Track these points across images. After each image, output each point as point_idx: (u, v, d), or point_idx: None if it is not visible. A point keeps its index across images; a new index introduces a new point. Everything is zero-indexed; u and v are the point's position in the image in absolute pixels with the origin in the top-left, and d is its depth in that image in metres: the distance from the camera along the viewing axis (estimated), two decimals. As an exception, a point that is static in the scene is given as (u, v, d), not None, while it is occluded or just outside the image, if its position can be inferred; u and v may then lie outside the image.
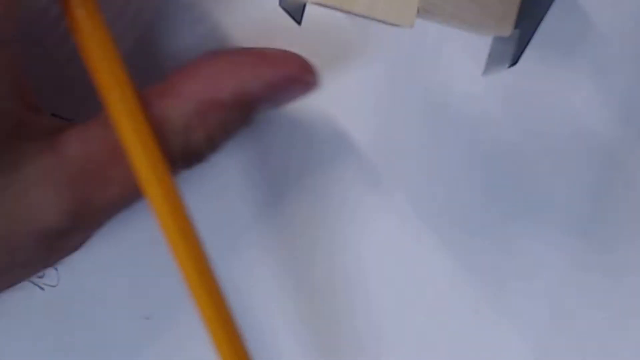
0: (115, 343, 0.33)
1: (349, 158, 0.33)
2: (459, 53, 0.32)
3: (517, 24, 0.26)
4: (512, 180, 0.33)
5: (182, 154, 0.28)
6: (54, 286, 0.33)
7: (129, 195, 0.28)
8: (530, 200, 0.33)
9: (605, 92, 0.33)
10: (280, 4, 0.26)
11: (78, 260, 0.31)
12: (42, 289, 0.33)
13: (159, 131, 0.27)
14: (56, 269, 0.33)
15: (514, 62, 0.27)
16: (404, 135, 0.32)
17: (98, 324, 0.33)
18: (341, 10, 0.26)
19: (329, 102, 0.32)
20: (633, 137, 0.32)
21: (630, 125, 0.32)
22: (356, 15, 0.25)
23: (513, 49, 0.27)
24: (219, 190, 0.33)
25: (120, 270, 0.33)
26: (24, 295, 0.33)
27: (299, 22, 0.27)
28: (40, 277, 0.33)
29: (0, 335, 0.33)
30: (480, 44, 0.28)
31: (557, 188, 0.33)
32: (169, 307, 0.33)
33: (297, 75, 0.29)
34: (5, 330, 0.33)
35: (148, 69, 0.30)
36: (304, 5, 0.26)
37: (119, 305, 0.33)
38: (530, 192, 0.33)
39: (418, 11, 0.26)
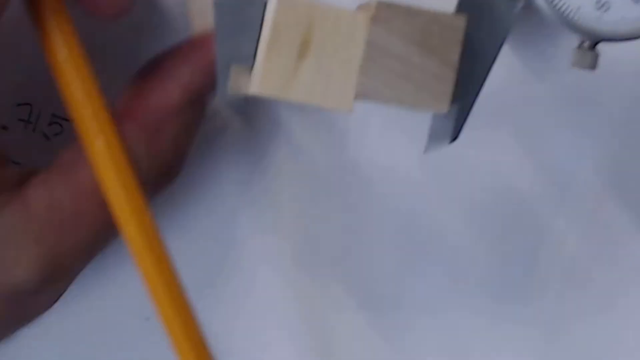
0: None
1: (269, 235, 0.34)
2: (386, 123, 0.33)
3: (455, 100, 0.27)
4: (438, 248, 0.34)
5: (153, 176, 0.28)
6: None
7: (99, 240, 0.28)
8: (457, 268, 0.34)
9: (533, 157, 0.33)
10: (220, 101, 0.27)
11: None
12: None
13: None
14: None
15: (455, 137, 0.28)
16: (331, 207, 0.34)
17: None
18: (280, 99, 0.26)
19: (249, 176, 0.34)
20: (559, 201, 0.33)
21: (557, 189, 0.33)
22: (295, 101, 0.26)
23: (452, 124, 0.27)
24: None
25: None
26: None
27: (243, 117, 0.27)
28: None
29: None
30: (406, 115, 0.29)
31: (483, 255, 0.34)
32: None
33: None
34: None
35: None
36: (246, 98, 0.27)
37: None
38: (455, 259, 0.34)
39: (355, 96, 0.26)
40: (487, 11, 0.27)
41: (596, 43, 0.28)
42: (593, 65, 0.28)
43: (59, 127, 0.33)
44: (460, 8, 0.27)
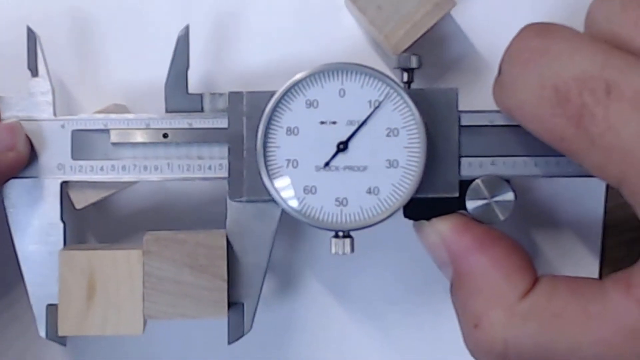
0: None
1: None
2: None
3: (237, 302, 0.32)
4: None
5: None
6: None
7: None
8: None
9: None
10: (42, 336, 0.32)
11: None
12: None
13: None
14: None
15: (250, 327, 0.32)
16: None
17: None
18: (81, 335, 0.31)
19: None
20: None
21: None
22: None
23: (245, 318, 0.32)
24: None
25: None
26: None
27: (64, 345, 0.32)
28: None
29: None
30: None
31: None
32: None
33: None
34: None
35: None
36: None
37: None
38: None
39: (145, 320, 0.31)
40: (249, 230, 0.32)
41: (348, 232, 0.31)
42: (351, 249, 0.31)
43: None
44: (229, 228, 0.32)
